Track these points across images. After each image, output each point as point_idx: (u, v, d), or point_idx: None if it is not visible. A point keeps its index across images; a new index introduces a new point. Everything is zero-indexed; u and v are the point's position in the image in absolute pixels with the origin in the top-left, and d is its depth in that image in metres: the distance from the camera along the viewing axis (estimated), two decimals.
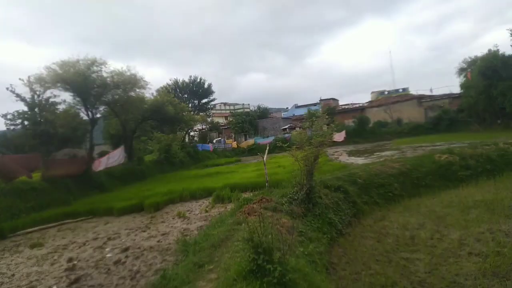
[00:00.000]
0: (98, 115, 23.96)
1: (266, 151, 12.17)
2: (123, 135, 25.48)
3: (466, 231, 7.18)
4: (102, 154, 25.36)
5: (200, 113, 48.40)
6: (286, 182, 10.16)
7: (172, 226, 9.99)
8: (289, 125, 48.45)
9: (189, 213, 11.30)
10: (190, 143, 39.97)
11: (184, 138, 38.48)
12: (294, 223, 6.42)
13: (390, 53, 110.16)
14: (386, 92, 62.64)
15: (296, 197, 7.82)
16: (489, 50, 32.13)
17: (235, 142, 46.74)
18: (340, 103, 57.89)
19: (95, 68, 20.27)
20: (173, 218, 11.01)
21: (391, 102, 44.97)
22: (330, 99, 51.19)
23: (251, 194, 10.43)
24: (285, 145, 8.17)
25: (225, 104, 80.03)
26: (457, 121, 36.06)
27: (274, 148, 31.45)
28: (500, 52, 31.30)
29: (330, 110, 39.08)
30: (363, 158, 19.79)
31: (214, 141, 47.16)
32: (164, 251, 7.75)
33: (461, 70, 38.95)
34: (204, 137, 47.69)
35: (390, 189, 10.61)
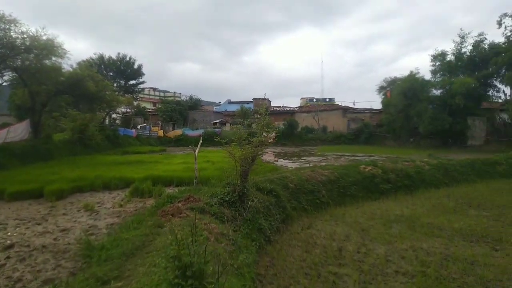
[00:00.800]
0: (3, 82, 20.48)
1: (199, 144, 11.28)
2: (31, 107, 22.19)
3: (390, 247, 7.23)
4: (3, 126, 21.80)
5: (126, 95, 44.88)
6: (216, 180, 9.43)
7: (75, 221, 8.51)
8: (220, 119, 47.66)
9: (99, 206, 9.86)
10: (111, 126, 36.79)
11: (104, 119, 35.24)
12: (225, 229, 5.72)
13: (322, 62, 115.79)
14: (314, 100, 65.48)
15: (227, 199, 7.14)
16: (411, 72, 35.26)
17: (162, 130, 44.39)
18: (272, 104, 58.86)
19: (1, 25, 17.13)
20: (79, 211, 9.48)
21: (319, 110, 46.95)
22: (263, 98, 51.63)
23: (176, 190, 9.45)
24: (223, 141, 7.43)
25: (154, 89, 76.05)
26: (375, 135, 38.95)
27: (203, 142, 30.42)
28: (418, 76, 34.56)
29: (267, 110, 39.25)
30: (291, 161, 19.95)
31: (139, 127, 44.20)
32: (60, 253, 6.38)
33: (381, 88, 42.41)
34: (127, 122, 44.36)
35: (318, 196, 10.54)
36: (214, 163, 15.05)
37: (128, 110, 48.26)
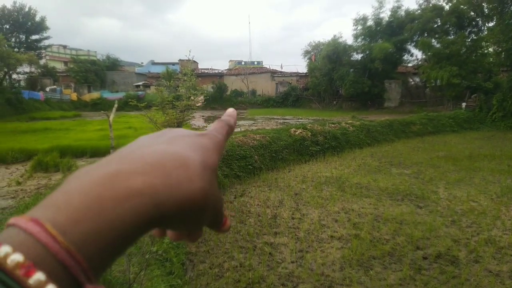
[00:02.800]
0: None
1: (114, 108, 9.87)
2: None
3: (323, 210, 7.16)
4: None
5: (28, 52, 38.90)
6: None
7: None
8: (143, 81, 44.37)
9: None
10: (12, 89, 31.81)
11: (3, 81, 30.26)
12: None
13: (249, 24, 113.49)
14: (243, 63, 64.39)
15: None
16: (334, 36, 36.09)
17: (76, 93, 39.88)
18: (199, 66, 56.45)
19: None
20: None
21: (248, 73, 46.30)
22: (190, 60, 48.88)
23: (89, 163, 8.21)
24: (141, 104, 6.39)
25: (65, 47, 67.51)
26: (302, 98, 39.86)
27: (125, 106, 27.95)
28: (341, 40, 35.57)
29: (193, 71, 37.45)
30: None
31: (48, 89, 39.07)
32: None
33: (306, 52, 43.15)
34: (33, 84, 38.85)
35: (251, 161, 10.14)
36: (137, 129, 13.71)
37: (34, 70, 42.17)
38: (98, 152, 10.17)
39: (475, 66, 26.15)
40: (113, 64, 50.03)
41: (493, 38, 23.43)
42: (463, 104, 25.76)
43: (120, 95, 35.71)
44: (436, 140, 16.81)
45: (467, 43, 27.13)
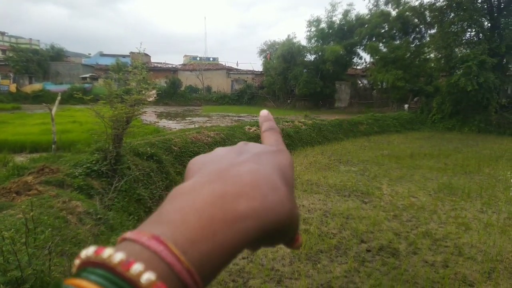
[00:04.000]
0: None
1: (57, 100, 9.28)
2: None
3: None
4: None
5: None
6: (83, 145, 7.96)
7: None
8: (90, 74, 42.06)
9: None
10: None
11: None
12: (92, 206, 4.69)
13: (205, 19, 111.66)
14: (198, 58, 63.34)
15: (96, 168, 5.96)
16: (288, 36, 36.77)
17: (15, 84, 36.78)
18: (152, 60, 54.63)
19: None
20: None
21: (203, 69, 45.68)
22: (141, 53, 47.13)
23: (29, 159, 7.62)
24: (88, 97, 6.06)
25: (3, 34, 61.97)
26: (257, 96, 40.16)
27: (70, 99, 26.27)
28: (296, 41, 36.36)
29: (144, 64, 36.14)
30: (175, 122, 18.87)
31: None
32: None
33: (262, 51, 43.63)
34: None
35: None
36: (82, 124, 12.96)
37: None
38: (38, 147, 9.48)
39: (418, 70, 28.02)
40: (57, 54, 46.79)
41: (434, 45, 25.28)
42: (406, 106, 27.54)
43: (65, 87, 33.47)
44: (381, 139, 17.80)
45: (411, 49, 28.99)
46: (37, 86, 36.34)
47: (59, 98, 9.25)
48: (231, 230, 0.29)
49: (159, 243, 0.26)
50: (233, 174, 0.34)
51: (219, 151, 0.43)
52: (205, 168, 0.37)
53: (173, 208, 0.30)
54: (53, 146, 8.07)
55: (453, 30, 23.34)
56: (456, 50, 24.12)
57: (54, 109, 8.65)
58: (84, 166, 6.01)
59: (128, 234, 0.27)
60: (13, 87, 35.65)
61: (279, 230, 0.34)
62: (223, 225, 0.29)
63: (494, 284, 4.46)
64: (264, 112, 0.52)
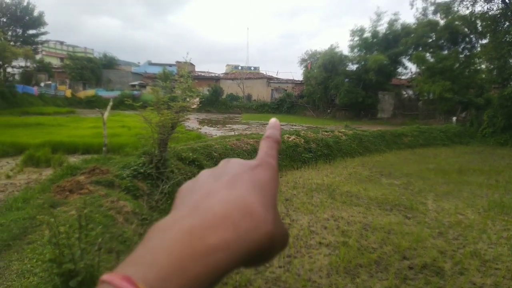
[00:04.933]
0: None
1: (109, 106, 9.89)
2: None
3: (313, 217, 7.21)
4: None
5: (24, 47, 38.59)
6: (131, 148, 8.39)
7: None
8: (139, 81, 44.26)
9: None
10: (6, 82, 31.48)
11: None
12: (138, 206, 4.92)
13: (247, 30, 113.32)
14: (240, 67, 64.51)
15: (142, 170, 6.27)
16: (331, 45, 36.46)
17: (70, 90, 39.60)
18: (196, 69, 56.47)
19: None
20: None
21: (244, 78, 46.45)
22: (187, 62, 48.83)
23: (81, 160, 8.16)
24: (137, 103, 6.41)
25: (62, 43, 67.07)
26: (297, 105, 40.08)
27: (120, 105, 27.84)
28: (337, 50, 35.96)
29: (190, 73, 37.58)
30: (216, 129, 19.32)
31: (42, 84, 38.73)
32: None
33: (303, 60, 43.63)
34: (28, 78, 38.47)
35: None
36: (130, 128, 13.66)
37: (29, 64, 41.80)
38: (90, 149, 10.12)
39: (467, 81, 26.60)
40: (109, 63, 49.80)
41: (486, 55, 23.88)
42: (454, 118, 26.15)
43: (116, 93, 35.53)
44: (427, 152, 17.02)
45: (461, 59, 27.62)
46: (90, 92, 38.84)
47: (111, 103, 9.84)
48: (202, 264, 0.30)
49: (129, 283, 0.28)
50: (205, 206, 0.35)
51: (202, 176, 0.43)
52: (187, 199, 0.38)
53: (146, 247, 0.32)
54: (104, 148, 8.58)
55: (508, 40, 21.92)
56: (511, 61, 22.62)
57: (106, 114, 9.23)
58: (131, 168, 6.33)
59: (105, 277, 0.30)
60: (68, 93, 38.37)
61: (261, 253, 0.34)
62: (192, 261, 0.30)
63: None
64: (272, 120, 0.50)
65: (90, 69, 43.26)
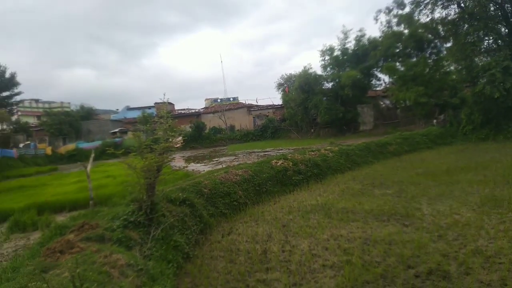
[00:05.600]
0: None
1: (91, 158, 9.76)
2: None
3: (313, 239, 7.10)
4: None
5: None
6: (118, 198, 8.22)
7: None
8: (119, 128, 44.10)
9: None
10: None
11: None
12: (132, 257, 4.76)
13: (221, 63, 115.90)
14: (219, 100, 65.30)
15: (133, 219, 6.11)
16: (304, 67, 37.51)
17: (50, 147, 39.04)
18: (176, 107, 56.83)
19: None
20: None
21: (225, 109, 46.93)
22: (165, 102, 49.10)
23: (69, 217, 7.92)
24: (119, 151, 6.34)
25: (37, 101, 66.90)
26: (280, 129, 40.49)
27: (102, 154, 27.51)
28: (311, 71, 36.98)
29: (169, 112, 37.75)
30: (203, 164, 19.19)
31: (21, 145, 38.13)
32: None
33: (280, 85, 44.69)
34: (6, 141, 37.88)
35: (235, 197, 10.07)
36: (115, 177, 13.42)
37: (5, 127, 41.29)
38: (77, 205, 9.84)
39: (439, 84, 27.55)
40: (87, 114, 49.71)
41: (452, 57, 24.96)
42: (434, 121, 26.83)
43: (97, 144, 35.19)
44: (413, 158, 17.27)
45: (429, 64, 28.74)
46: (70, 146, 38.38)
47: (92, 155, 9.73)
48: None
49: None
50: None
51: None
52: None
53: None
54: (90, 202, 8.38)
55: (469, 40, 23.05)
56: (476, 59, 23.67)
57: (89, 166, 9.09)
58: (121, 218, 6.17)
59: None
60: (48, 150, 37.79)
61: None
62: None
63: None
64: None
65: (68, 123, 42.99)
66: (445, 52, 28.34)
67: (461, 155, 16.82)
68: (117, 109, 70.37)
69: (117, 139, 37.02)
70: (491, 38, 23.40)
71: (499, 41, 22.92)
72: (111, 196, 9.03)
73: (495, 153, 16.05)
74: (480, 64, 22.72)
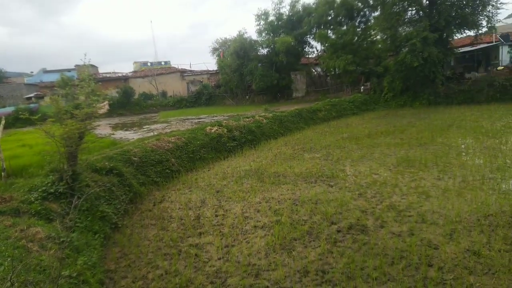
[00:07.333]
0: None
1: (1, 125, 8.69)
2: None
3: (245, 203, 7.32)
4: None
5: None
6: (36, 169, 7.53)
7: None
8: (35, 93, 39.70)
9: None
10: None
11: None
12: (53, 230, 4.45)
13: (151, 23, 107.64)
14: (149, 64, 61.73)
15: (53, 190, 5.66)
16: (239, 32, 36.76)
17: None
18: (100, 71, 52.46)
19: None
20: None
21: (156, 74, 44.55)
22: (87, 65, 44.97)
23: None
24: (35, 117, 5.71)
25: None
26: (215, 96, 39.85)
27: (16, 122, 24.67)
28: (247, 36, 36.45)
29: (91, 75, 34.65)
30: (132, 132, 18.28)
31: None
32: None
33: (215, 50, 43.39)
34: None
35: (167, 165, 9.85)
36: (32, 146, 12.15)
37: None
38: None
39: (366, 53, 29.05)
40: None
41: (379, 26, 26.32)
42: (361, 88, 28.55)
43: (9, 110, 31.22)
44: (340, 123, 18.37)
45: (358, 33, 30.00)
46: None
47: (3, 122, 8.65)
48: None
49: None
50: None
51: None
52: None
53: None
54: (3, 173, 7.54)
55: (395, 10, 24.41)
56: (400, 29, 25.26)
57: (0, 134, 8.09)
58: (39, 190, 5.68)
59: None
60: None
61: None
62: None
63: (456, 243, 4.77)
64: None
65: None
66: (372, 22, 29.75)
67: (382, 120, 18.29)
68: (32, 72, 62.76)
69: (32, 105, 33.25)
70: (414, 9, 25.01)
71: (421, 12, 24.61)
72: (26, 166, 8.20)
73: (411, 118, 17.75)
74: (403, 34, 24.32)
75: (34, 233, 4.27)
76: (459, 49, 27.28)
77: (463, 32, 24.74)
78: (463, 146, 11.05)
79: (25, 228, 4.32)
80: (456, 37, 26.28)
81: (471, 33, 24.79)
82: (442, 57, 22.46)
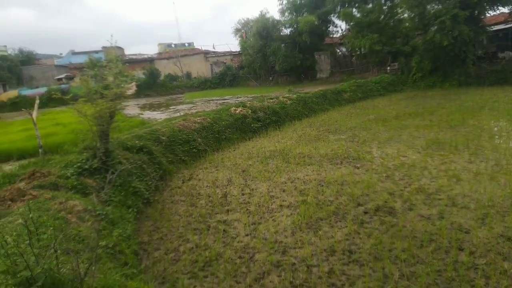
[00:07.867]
0: None
1: (36, 105, 9.07)
2: None
3: (271, 182, 7.38)
4: None
5: None
6: (70, 146, 7.85)
7: None
8: (65, 74, 40.90)
9: None
10: None
11: None
12: (90, 203, 4.68)
13: (174, 4, 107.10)
14: (173, 45, 62.07)
15: (87, 166, 5.91)
16: (261, 12, 36.18)
17: None
18: (126, 52, 53.23)
19: None
20: None
21: (180, 55, 44.81)
22: (114, 46, 45.68)
23: (17, 166, 7.49)
24: (67, 97, 5.93)
25: None
26: (238, 77, 39.77)
27: (48, 102, 25.65)
28: (269, 16, 35.81)
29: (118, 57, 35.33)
30: (159, 112, 18.65)
31: None
32: None
33: (237, 31, 42.98)
34: None
35: (194, 144, 10.03)
36: (65, 125, 12.67)
37: None
38: (25, 154, 9.27)
39: (393, 31, 27.97)
40: (28, 58, 45.30)
41: (406, 4, 25.12)
42: (388, 69, 27.66)
43: (41, 90, 32.49)
44: (366, 104, 17.97)
45: (384, 10, 28.82)
46: (12, 93, 35.22)
47: (37, 102, 9.02)
48: None
49: None
50: None
51: None
52: None
53: None
54: (40, 150, 7.92)
55: None
56: (428, 7, 24.04)
57: (35, 113, 8.45)
58: (75, 166, 5.95)
59: None
60: None
61: None
62: None
63: (488, 228, 4.66)
64: None
65: (7, 68, 39.06)
66: None
67: (410, 101, 17.75)
68: (61, 54, 64.57)
69: (63, 86, 34.37)
70: None
71: None
72: (61, 144, 8.57)
73: (441, 100, 17.12)
74: (432, 11, 23.16)
75: (72, 205, 4.50)
76: (492, 27, 25.64)
77: (496, 9, 23.16)
78: (496, 129, 10.60)
79: (63, 201, 4.55)
80: (488, 15, 24.65)
81: (505, 9, 23.26)
82: (473, 36, 21.27)
